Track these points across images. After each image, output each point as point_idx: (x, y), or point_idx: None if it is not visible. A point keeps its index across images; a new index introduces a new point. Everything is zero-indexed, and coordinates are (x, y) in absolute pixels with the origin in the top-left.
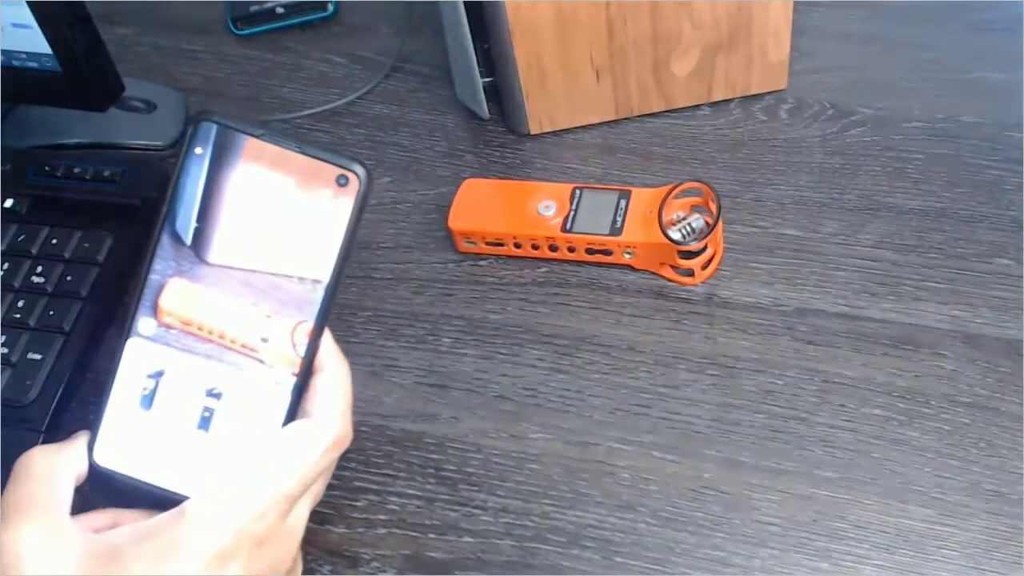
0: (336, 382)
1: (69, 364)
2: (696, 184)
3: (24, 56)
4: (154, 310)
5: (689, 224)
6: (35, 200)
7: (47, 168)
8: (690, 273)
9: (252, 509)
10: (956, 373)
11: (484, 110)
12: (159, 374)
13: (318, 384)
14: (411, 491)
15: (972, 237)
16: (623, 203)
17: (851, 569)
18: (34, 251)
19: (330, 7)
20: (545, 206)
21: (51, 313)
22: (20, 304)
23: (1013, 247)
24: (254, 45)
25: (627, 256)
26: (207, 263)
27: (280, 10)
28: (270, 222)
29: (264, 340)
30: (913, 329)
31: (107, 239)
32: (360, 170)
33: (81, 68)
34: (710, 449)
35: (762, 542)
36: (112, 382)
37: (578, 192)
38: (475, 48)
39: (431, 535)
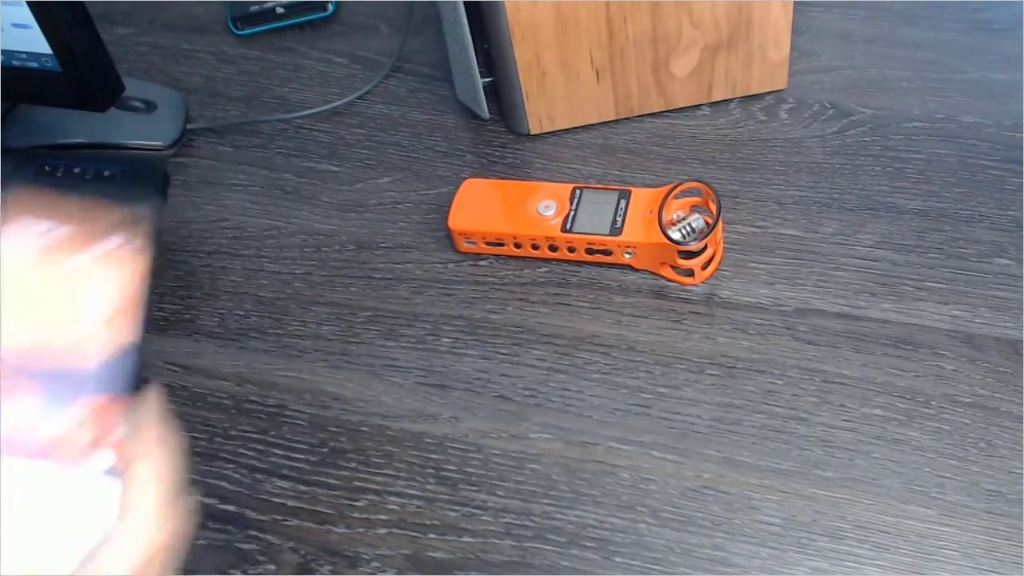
0: (160, 460)
1: None
2: (696, 184)
3: (24, 56)
4: None
5: (689, 224)
6: None
7: (47, 168)
8: (690, 273)
9: None
10: (956, 373)
11: (484, 110)
12: None
13: (142, 465)
14: (411, 491)
15: (972, 237)
16: (623, 203)
17: (851, 569)
18: None
19: (330, 7)
20: (545, 206)
21: None
22: None
23: (1013, 247)
24: (254, 45)
25: (627, 256)
26: None
27: (280, 10)
28: (48, 295)
29: (77, 427)
30: (913, 329)
31: None
32: (142, 215)
33: (81, 68)
34: (710, 449)
35: (762, 542)
36: None
37: (578, 192)
38: (475, 48)
39: (431, 535)
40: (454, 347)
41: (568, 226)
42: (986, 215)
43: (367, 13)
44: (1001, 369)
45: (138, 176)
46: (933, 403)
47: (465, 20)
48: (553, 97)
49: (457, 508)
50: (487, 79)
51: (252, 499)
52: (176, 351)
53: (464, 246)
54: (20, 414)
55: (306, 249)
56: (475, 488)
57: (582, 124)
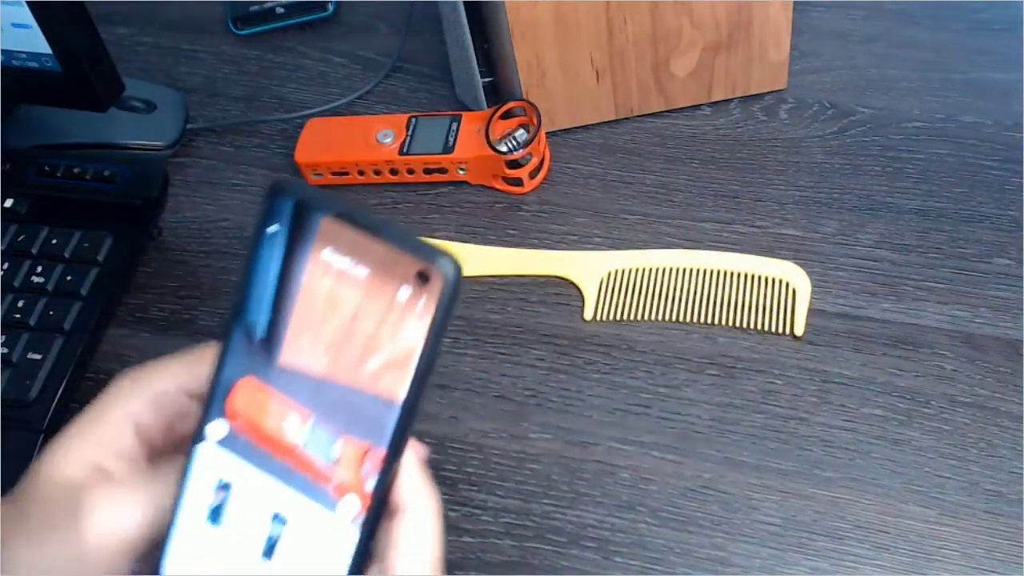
0: (420, 528)
1: (69, 364)
2: (520, 104)
3: (24, 56)
4: (224, 412)
5: (514, 136)
6: (35, 200)
7: (47, 168)
8: (519, 182)
9: None
10: (956, 373)
11: (484, 110)
12: (227, 486)
13: (399, 531)
14: None
15: (972, 237)
16: (454, 125)
17: (851, 569)
18: (34, 251)
19: (330, 7)
20: (384, 135)
21: (51, 313)
22: (20, 304)
23: (1013, 247)
24: (254, 45)
25: (461, 172)
26: (278, 365)
27: (280, 10)
28: (342, 321)
29: (334, 464)
30: (913, 329)
31: (107, 239)
32: (446, 265)
33: (81, 68)
34: (710, 449)
35: (762, 542)
36: (183, 490)
37: (414, 120)
38: (475, 48)
39: None
40: (454, 347)
41: (405, 150)
42: (986, 215)
43: (367, 13)
44: (1001, 369)
45: (138, 176)
46: (933, 403)
47: (465, 20)
48: (553, 97)
49: (457, 508)
50: (487, 79)
51: None
52: (176, 351)
53: (312, 179)
54: (314, 434)
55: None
56: (475, 488)
57: (582, 124)
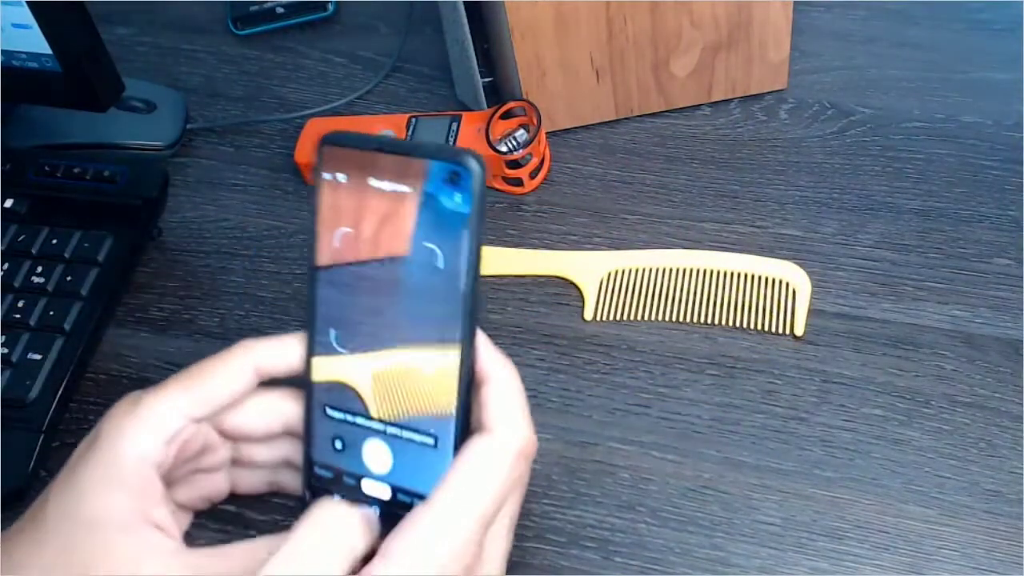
0: (506, 389)
1: (69, 364)
2: (520, 104)
3: (24, 56)
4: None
5: (514, 137)
6: (35, 200)
7: (47, 168)
8: (519, 182)
9: (449, 546)
10: (956, 373)
11: (484, 110)
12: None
13: (488, 395)
14: None
15: (972, 237)
16: (454, 126)
17: (851, 569)
18: (34, 251)
19: (330, 7)
20: (384, 135)
21: (51, 313)
22: (20, 304)
23: (1013, 247)
24: (254, 45)
25: None
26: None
27: (280, 10)
28: (399, 233)
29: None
30: (913, 329)
31: (107, 239)
32: (471, 162)
33: (81, 68)
34: (710, 449)
35: (762, 542)
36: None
37: (414, 120)
38: (475, 48)
39: None
40: None
41: None
42: (986, 215)
43: (367, 13)
44: (1001, 369)
45: (138, 176)
46: (933, 403)
47: (465, 20)
48: (553, 97)
49: None
50: (487, 79)
51: (252, 499)
52: (176, 351)
53: (312, 179)
54: None
55: (306, 249)
56: None
57: (582, 124)
